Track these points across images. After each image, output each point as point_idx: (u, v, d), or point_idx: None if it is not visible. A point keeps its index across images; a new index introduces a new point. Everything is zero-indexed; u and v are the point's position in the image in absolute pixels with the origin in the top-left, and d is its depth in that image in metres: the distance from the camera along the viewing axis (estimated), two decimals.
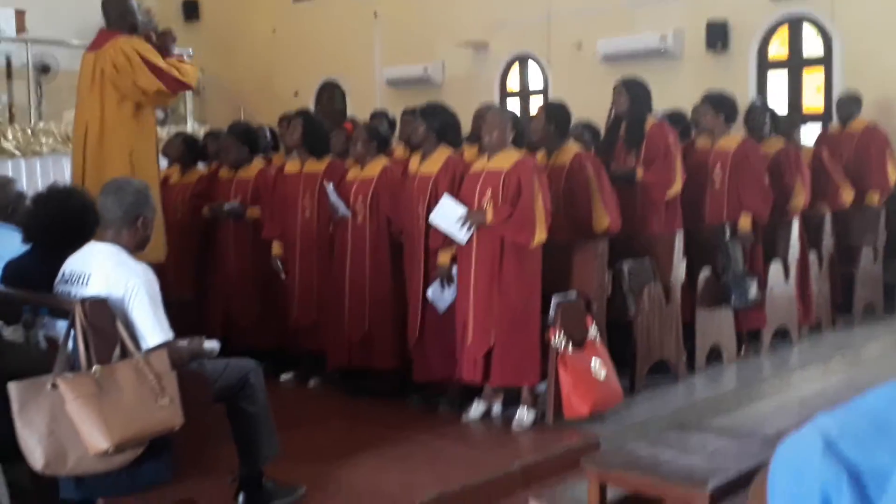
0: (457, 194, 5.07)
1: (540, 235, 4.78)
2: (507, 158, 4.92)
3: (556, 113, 5.73)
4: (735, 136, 6.44)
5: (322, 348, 5.79)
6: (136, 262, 3.46)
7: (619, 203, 5.62)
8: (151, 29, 5.44)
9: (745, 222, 6.21)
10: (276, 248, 6.00)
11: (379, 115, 7.54)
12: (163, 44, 5.23)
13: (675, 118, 7.09)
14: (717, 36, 10.13)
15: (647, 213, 5.98)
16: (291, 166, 6.05)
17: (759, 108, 7.18)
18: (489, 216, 4.82)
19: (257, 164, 6.41)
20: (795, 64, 9.91)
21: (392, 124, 7.33)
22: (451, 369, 5.13)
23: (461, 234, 4.89)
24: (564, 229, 5.40)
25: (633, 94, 6.03)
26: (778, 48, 10.04)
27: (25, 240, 3.82)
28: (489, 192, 4.89)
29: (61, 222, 3.75)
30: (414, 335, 5.24)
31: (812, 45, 9.79)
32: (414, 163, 5.46)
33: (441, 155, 5.26)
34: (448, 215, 4.91)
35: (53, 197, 3.86)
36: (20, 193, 4.69)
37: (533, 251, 4.88)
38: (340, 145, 6.36)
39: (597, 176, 5.53)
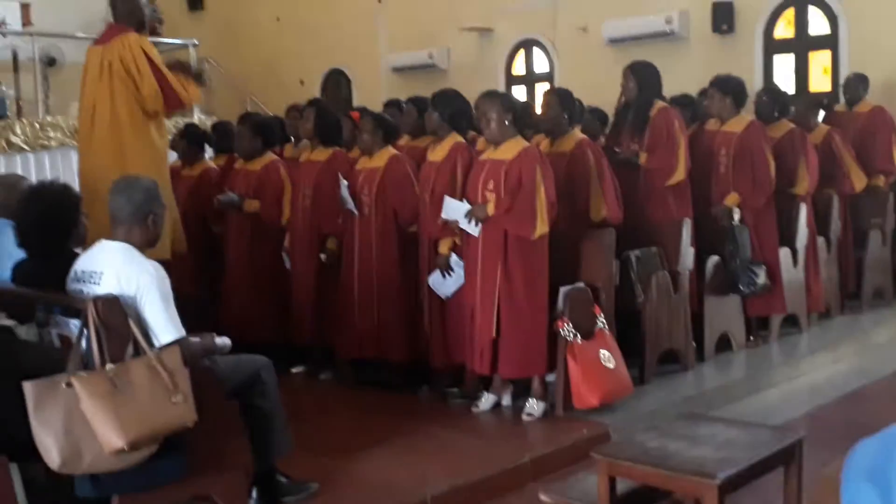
0: (463, 181, 5.08)
1: (541, 228, 4.77)
2: (511, 148, 4.90)
3: (567, 100, 5.71)
4: (743, 119, 6.37)
5: (332, 341, 5.81)
6: (147, 260, 3.48)
7: (624, 189, 5.60)
8: (157, 20, 5.41)
9: (730, 199, 6.18)
10: (287, 240, 6.01)
11: (392, 104, 7.40)
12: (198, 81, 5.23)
13: (683, 102, 7.04)
14: (723, 18, 10.09)
15: (651, 199, 5.97)
16: (305, 155, 6.07)
17: (766, 91, 7.14)
18: (490, 209, 4.82)
19: (268, 156, 6.38)
20: (802, 46, 9.86)
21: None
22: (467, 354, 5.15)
23: (472, 228, 4.90)
24: (563, 217, 5.40)
25: (641, 80, 6.01)
26: (784, 30, 9.99)
27: (19, 246, 3.85)
28: (491, 183, 4.89)
29: (37, 223, 3.76)
30: (428, 322, 5.26)
31: (818, 26, 9.74)
32: (430, 150, 5.47)
33: (449, 142, 5.27)
34: (456, 212, 4.92)
35: (26, 202, 3.87)
36: None
37: (538, 242, 4.87)
38: (347, 134, 6.33)
39: (597, 164, 5.51)
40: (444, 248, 5.13)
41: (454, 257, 5.09)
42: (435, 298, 5.27)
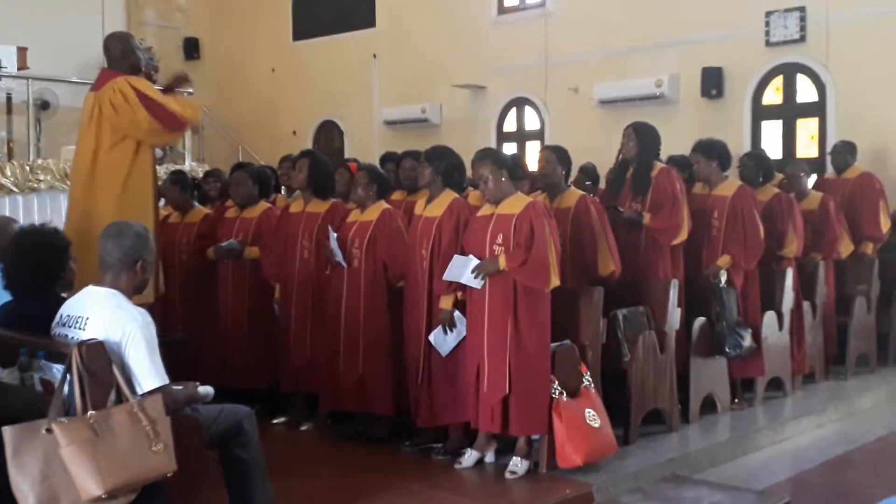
0: (461, 237, 5.08)
1: (554, 280, 4.76)
2: (517, 203, 4.91)
3: (563, 156, 5.77)
4: (732, 183, 6.47)
5: (316, 391, 5.77)
6: (134, 307, 3.47)
7: (623, 248, 5.64)
8: (153, 68, 5.41)
9: (723, 261, 6.22)
10: (278, 291, 5.98)
11: (388, 158, 7.36)
12: (177, 85, 5.18)
13: (681, 162, 7.11)
14: (713, 83, 10.26)
15: (652, 258, 5.99)
16: (295, 206, 6.07)
17: (751, 156, 7.23)
18: (502, 263, 4.80)
19: (263, 204, 6.41)
20: (789, 112, 10.02)
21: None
22: (458, 414, 5.09)
23: (475, 283, 4.88)
24: (570, 275, 5.40)
25: (643, 140, 6.07)
26: (772, 96, 10.16)
27: (5, 288, 3.84)
28: (500, 237, 4.88)
29: (24, 265, 3.75)
30: (416, 380, 5.22)
31: (806, 93, 9.91)
32: (420, 205, 5.47)
33: (446, 198, 5.27)
34: (460, 269, 4.88)
35: (14, 244, 3.86)
36: None
37: (545, 295, 4.85)
38: (344, 185, 6.32)
39: (601, 220, 5.56)
40: (446, 303, 5.07)
41: (457, 312, 5.07)
42: (424, 358, 5.19)
